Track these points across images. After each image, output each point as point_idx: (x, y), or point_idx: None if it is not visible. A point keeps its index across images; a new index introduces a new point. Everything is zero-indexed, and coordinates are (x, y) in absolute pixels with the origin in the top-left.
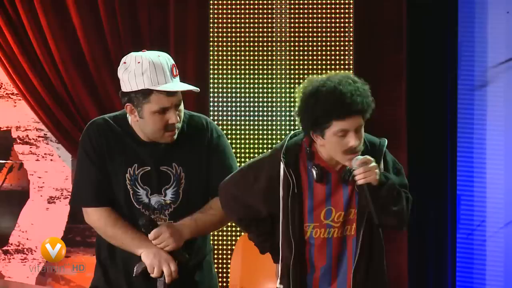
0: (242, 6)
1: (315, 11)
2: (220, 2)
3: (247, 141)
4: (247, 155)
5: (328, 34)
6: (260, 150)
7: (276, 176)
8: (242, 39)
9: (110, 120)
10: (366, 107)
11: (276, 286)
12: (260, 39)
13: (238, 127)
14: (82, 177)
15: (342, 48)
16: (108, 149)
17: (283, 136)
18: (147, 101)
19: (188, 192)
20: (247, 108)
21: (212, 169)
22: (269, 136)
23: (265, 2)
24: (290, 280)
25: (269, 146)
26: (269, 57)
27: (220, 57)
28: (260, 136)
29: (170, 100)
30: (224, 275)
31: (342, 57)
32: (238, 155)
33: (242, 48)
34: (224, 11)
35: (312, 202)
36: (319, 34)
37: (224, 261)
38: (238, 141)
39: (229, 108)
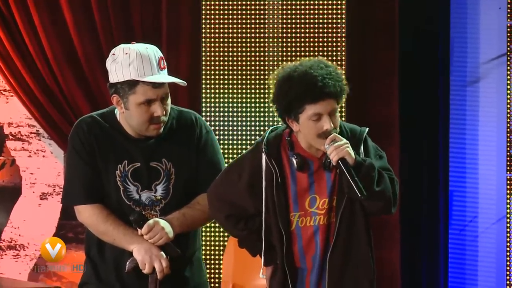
0: (235, 2)
1: (307, 7)
2: None
3: (239, 138)
4: (238, 151)
5: (321, 31)
6: None
7: (258, 168)
8: (235, 35)
9: (98, 117)
10: (339, 90)
11: (260, 276)
12: (253, 35)
13: (230, 123)
14: (73, 175)
15: (334, 44)
16: (98, 146)
17: None
18: (133, 92)
19: (179, 188)
20: (239, 104)
21: (201, 165)
22: (261, 133)
23: None
24: (286, 270)
25: None
26: (262, 54)
27: (212, 53)
28: (252, 133)
29: (156, 92)
30: (217, 271)
31: (334, 54)
32: (229, 151)
33: (235, 44)
34: (217, 7)
35: (296, 191)
36: (312, 31)
37: (217, 257)
38: (230, 137)
39: (221, 104)
